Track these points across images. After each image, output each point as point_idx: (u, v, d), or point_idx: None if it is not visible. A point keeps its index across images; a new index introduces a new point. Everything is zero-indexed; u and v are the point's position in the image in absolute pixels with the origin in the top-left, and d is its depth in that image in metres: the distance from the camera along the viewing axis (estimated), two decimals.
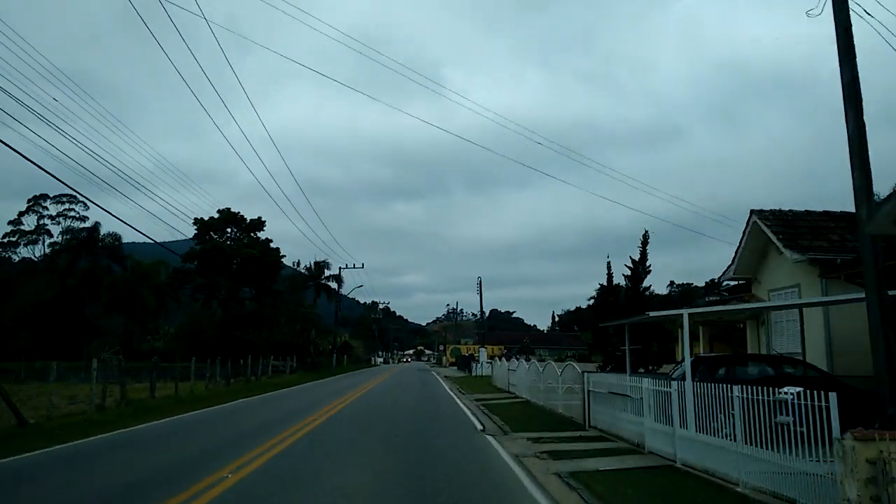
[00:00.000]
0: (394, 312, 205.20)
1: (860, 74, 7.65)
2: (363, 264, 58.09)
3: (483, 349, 44.87)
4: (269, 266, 51.65)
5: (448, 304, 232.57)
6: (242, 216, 52.88)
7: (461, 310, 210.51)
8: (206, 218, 51.50)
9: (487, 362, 44.18)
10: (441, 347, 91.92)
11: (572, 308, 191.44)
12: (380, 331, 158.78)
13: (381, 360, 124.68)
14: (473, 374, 44.59)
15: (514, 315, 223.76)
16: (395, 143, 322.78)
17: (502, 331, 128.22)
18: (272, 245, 54.17)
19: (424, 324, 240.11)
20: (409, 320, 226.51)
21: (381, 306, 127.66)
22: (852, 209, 7.86)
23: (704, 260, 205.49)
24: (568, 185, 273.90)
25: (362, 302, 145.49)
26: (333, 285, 72.25)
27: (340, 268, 59.52)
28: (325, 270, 69.62)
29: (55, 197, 59.65)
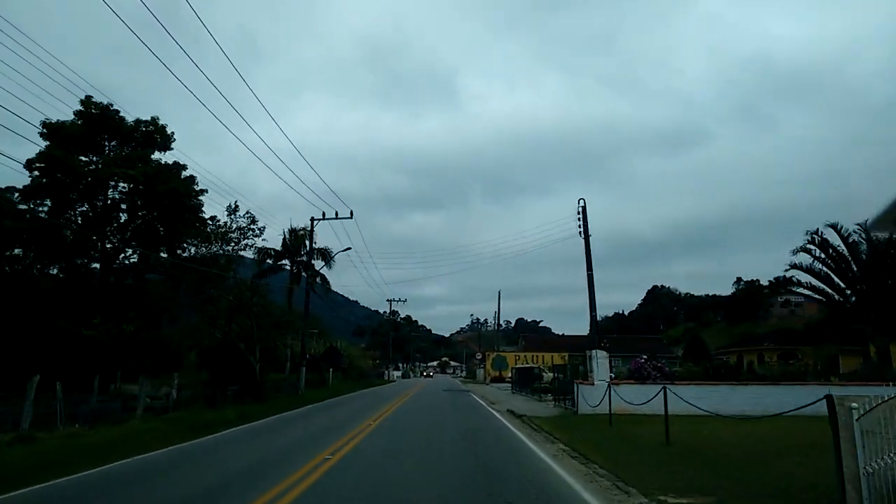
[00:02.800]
0: (416, 321, 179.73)
1: None
2: (351, 212, 32.63)
3: (601, 354, 18.45)
4: (168, 200, 26.14)
5: (472, 315, 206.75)
6: (120, 115, 27.44)
7: (485, 320, 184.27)
8: (56, 121, 26.36)
9: (618, 382, 18.07)
10: (478, 356, 65.64)
11: (610, 314, 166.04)
12: (399, 340, 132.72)
13: (398, 373, 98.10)
14: (576, 409, 18.41)
15: (542, 324, 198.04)
16: (412, 152, 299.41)
17: (529, 339, 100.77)
18: (186, 174, 28.65)
19: (448, 335, 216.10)
20: (433, 331, 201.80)
21: (400, 313, 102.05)
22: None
23: (726, 266, 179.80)
24: (589, 192, 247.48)
25: (382, 312, 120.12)
26: (324, 269, 46.80)
27: (313, 219, 33.82)
28: (307, 243, 44.12)
29: None
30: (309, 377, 37.44)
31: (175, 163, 29.12)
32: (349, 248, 35.37)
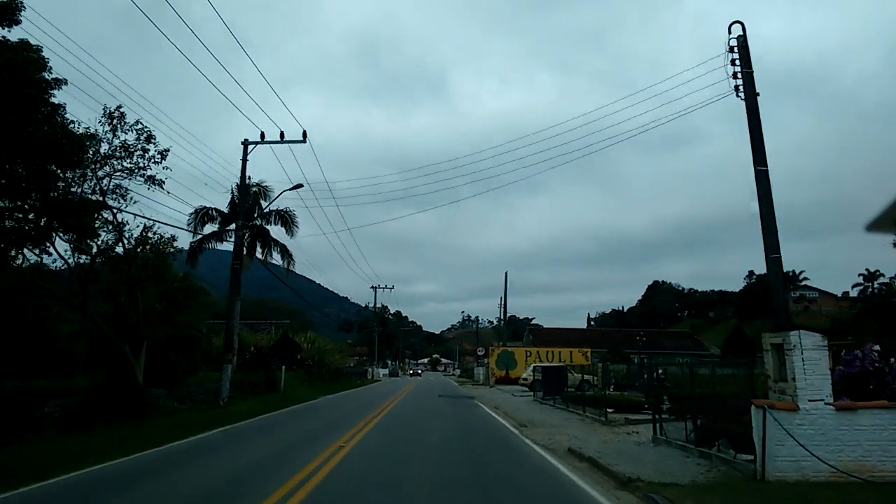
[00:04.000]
0: (406, 318, 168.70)
1: None
2: (304, 133, 21.57)
3: (810, 340, 7.99)
4: None
5: (463, 311, 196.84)
6: None
7: (476, 317, 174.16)
8: None
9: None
10: (480, 352, 54.73)
11: (607, 311, 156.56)
12: (388, 336, 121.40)
13: (385, 371, 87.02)
14: (761, 466, 7.76)
15: (534, 321, 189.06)
16: (403, 149, 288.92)
17: (538, 333, 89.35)
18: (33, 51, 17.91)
19: (439, 332, 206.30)
20: (423, 328, 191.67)
21: (389, 308, 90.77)
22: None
23: (718, 265, 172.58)
24: (581, 190, 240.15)
25: (372, 307, 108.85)
26: (281, 237, 36.08)
27: (246, 142, 22.62)
28: (262, 203, 32.94)
29: None
30: (252, 379, 26.52)
31: (22, 41, 18.13)
32: (300, 186, 24.33)
